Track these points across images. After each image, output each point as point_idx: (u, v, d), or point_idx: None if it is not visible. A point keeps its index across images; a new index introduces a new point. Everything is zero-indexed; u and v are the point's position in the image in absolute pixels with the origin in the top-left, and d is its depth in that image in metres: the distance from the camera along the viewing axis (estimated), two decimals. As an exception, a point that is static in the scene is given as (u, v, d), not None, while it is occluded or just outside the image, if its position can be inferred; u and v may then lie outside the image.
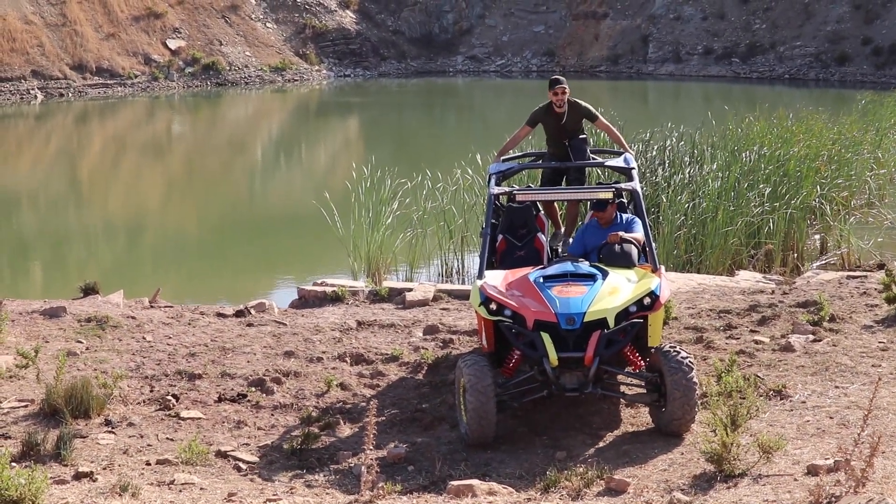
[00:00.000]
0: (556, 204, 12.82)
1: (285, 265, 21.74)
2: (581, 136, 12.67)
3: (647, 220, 11.14)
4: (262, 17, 71.64)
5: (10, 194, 32.36)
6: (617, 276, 10.15)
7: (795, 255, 17.71)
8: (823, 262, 17.80)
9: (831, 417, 9.09)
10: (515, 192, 11.64)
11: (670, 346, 9.66)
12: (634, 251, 10.86)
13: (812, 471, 7.37)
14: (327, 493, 7.91)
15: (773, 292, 13.53)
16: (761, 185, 18.28)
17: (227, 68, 66.87)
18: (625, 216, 11.43)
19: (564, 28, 76.32)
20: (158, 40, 66.07)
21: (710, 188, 17.54)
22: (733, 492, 7.28)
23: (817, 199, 19.33)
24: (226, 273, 21.08)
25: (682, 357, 9.37)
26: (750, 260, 17.08)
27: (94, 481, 8.01)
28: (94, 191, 34.88)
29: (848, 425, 8.75)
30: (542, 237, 11.85)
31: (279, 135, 50.37)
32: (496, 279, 10.35)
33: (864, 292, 13.16)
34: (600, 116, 12.78)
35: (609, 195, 11.27)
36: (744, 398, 8.22)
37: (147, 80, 63.51)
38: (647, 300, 9.82)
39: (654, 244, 11.05)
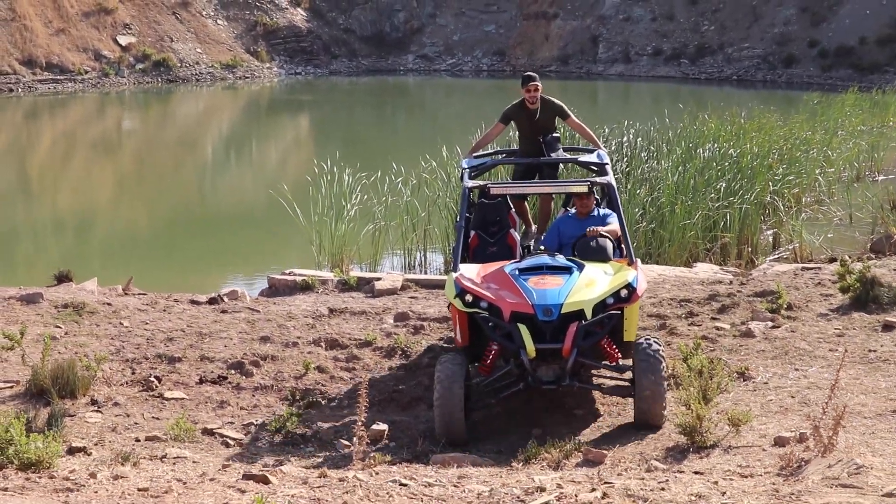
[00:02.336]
0: (527, 202, 12.96)
1: (245, 258, 21.96)
2: (554, 135, 12.76)
3: (622, 214, 11.18)
4: (212, 13, 71.59)
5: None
6: (593, 268, 10.21)
7: (750, 248, 18.20)
8: (776, 255, 18.32)
9: (793, 397, 9.54)
10: (490, 185, 11.71)
11: (644, 339, 9.79)
12: (609, 245, 10.95)
13: (779, 442, 7.82)
14: (316, 466, 8.23)
15: (730, 283, 13.97)
16: (717, 181, 18.76)
17: (178, 65, 66.76)
18: (601, 210, 11.57)
19: (515, 28, 76.86)
20: (109, 36, 65.85)
21: (667, 183, 18.00)
22: (706, 461, 7.71)
23: (770, 196, 19.85)
24: (186, 266, 21.28)
25: (652, 349, 9.50)
26: (707, 253, 17.55)
27: (88, 455, 8.29)
28: (45, 186, 34.83)
29: (809, 403, 9.20)
30: (515, 234, 11.91)
31: (230, 132, 50.45)
32: (471, 272, 10.34)
33: (819, 283, 13.63)
34: (572, 115, 12.88)
35: (584, 188, 11.36)
36: (713, 375, 8.62)
37: (97, 76, 63.28)
38: (623, 292, 9.84)
39: (629, 239, 11.11)
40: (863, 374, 10.06)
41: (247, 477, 6.76)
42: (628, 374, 9.85)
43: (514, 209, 12.36)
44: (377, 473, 7.21)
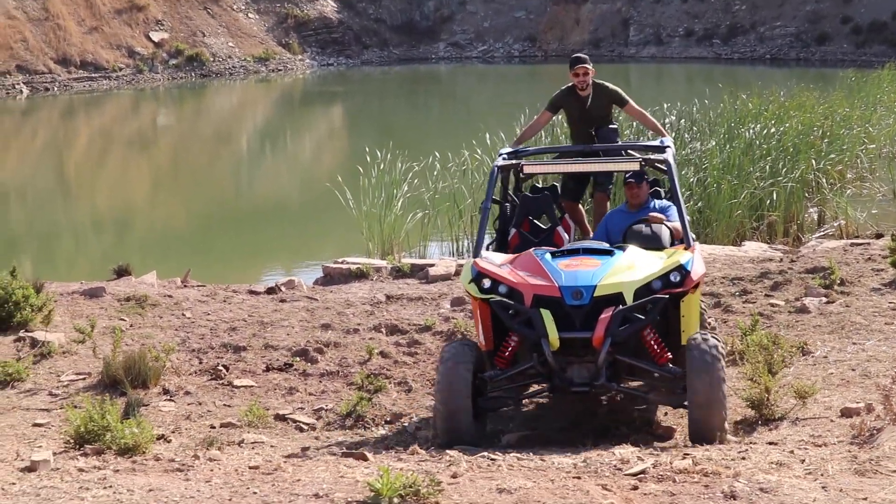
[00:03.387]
0: (581, 206, 11.88)
1: (291, 249, 22.22)
2: (611, 126, 11.66)
3: (680, 196, 9.76)
4: (243, 7, 71.93)
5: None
6: (640, 251, 8.87)
7: (796, 226, 18.31)
8: (822, 232, 18.39)
9: (853, 370, 9.68)
10: (523, 164, 10.31)
11: (699, 334, 8.27)
12: (666, 233, 9.61)
13: (846, 413, 7.97)
14: (394, 447, 8.43)
15: (780, 260, 14.08)
16: (761, 160, 18.86)
17: (211, 59, 67.15)
18: (658, 203, 10.23)
19: (545, 13, 76.84)
20: (141, 33, 66.28)
21: (713, 163, 18.11)
22: (776, 432, 7.88)
23: (814, 173, 19.92)
24: (233, 258, 21.53)
25: (707, 346, 8.01)
26: (754, 231, 17.68)
27: (168, 441, 8.53)
28: (83, 184, 35.16)
29: (870, 376, 9.33)
30: (563, 233, 10.64)
31: (265, 124, 50.76)
32: (494, 258, 9.27)
33: (869, 258, 13.73)
34: (631, 101, 11.70)
35: (636, 166, 10.10)
36: (778, 347, 8.77)
37: (131, 72, 63.72)
38: (674, 275, 8.37)
39: (687, 219, 9.60)
40: (922, 345, 10.20)
41: (346, 455, 6.98)
42: (681, 379, 8.27)
43: (567, 214, 11.20)
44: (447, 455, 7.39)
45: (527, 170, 10.36)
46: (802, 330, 11.17)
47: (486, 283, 8.63)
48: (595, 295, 8.20)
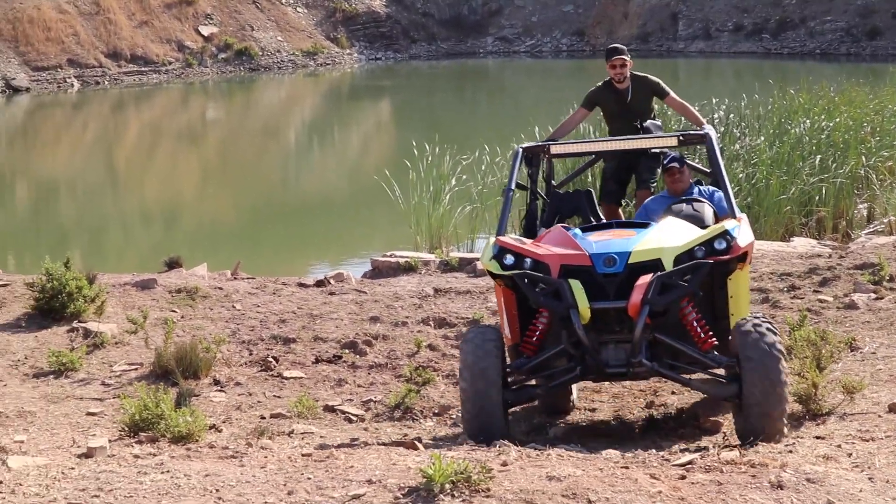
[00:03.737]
0: (619, 208, 11.35)
1: (339, 242, 22.42)
2: (655, 121, 10.96)
3: (723, 168, 9.14)
4: (292, 1, 72.25)
5: (50, 181, 33.14)
6: (679, 221, 8.32)
7: (845, 222, 18.24)
8: (872, 229, 18.30)
9: (902, 366, 9.67)
10: (549, 143, 9.92)
11: (751, 320, 7.43)
12: (709, 212, 9.02)
13: (894, 409, 7.98)
14: (443, 438, 8.52)
15: (829, 256, 14.04)
16: (811, 156, 18.79)
17: (260, 53, 67.50)
18: (705, 188, 9.71)
19: (593, 7, 76.69)
20: (191, 27, 66.74)
21: (762, 158, 18.07)
22: (824, 427, 7.89)
23: (864, 169, 19.82)
24: (281, 251, 21.74)
25: (765, 337, 7.20)
26: (802, 227, 17.63)
27: (219, 431, 8.65)
28: (133, 177, 35.60)
29: (919, 372, 9.33)
30: None
31: (313, 118, 51.05)
32: (519, 238, 8.61)
33: (919, 254, 13.68)
34: (672, 92, 11.14)
35: (673, 142, 9.58)
36: (826, 343, 8.77)
37: (181, 66, 64.19)
38: (719, 242, 7.62)
39: (731, 191, 8.93)
40: (970, 342, 10.17)
41: (397, 443, 7.08)
42: (731, 368, 7.59)
43: (603, 216, 10.24)
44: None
45: (554, 150, 9.82)
46: (851, 326, 11.15)
47: (509, 258, 7.92)
48: (630, 262, 7.53)
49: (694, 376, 7.84)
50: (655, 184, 11.63)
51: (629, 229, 8.05)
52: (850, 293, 12.19)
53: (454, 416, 9.48)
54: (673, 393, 9.67)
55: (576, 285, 7.42)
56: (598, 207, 10.11)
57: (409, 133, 35.09)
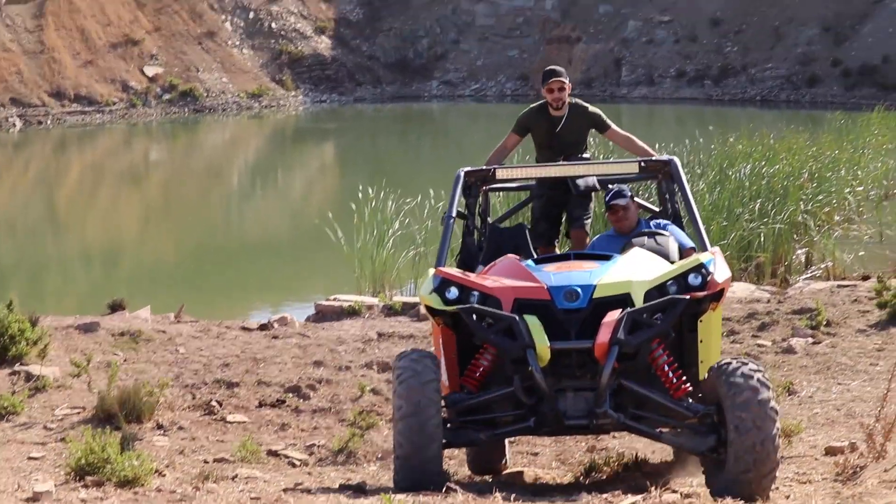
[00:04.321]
0: (556, 244, 10.16)
1: (280, 286, 22.45)
2: (583, 156, 9.91)
3: (691, 198, 8.37)
4: (238, 43, 72.28)
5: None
6: (646, 253, 7.41)
7: (784, 267, 18.50)
8: (810, 274, 18.58)
9: (838, 409, 9.85)
10: (495, 167, 8.95)
11: (732, 360, 6.60)
12: (674, 246, 7.98)
13: (830, 451, 8.13)
14: (388, 485, 8.55)
15: (768, 301, 14.25)
16: (751, 202, 19.06)
17: (205, 94, 67.39)
18: (658, 222, 8.62)
19: (538, 52, 77.19)
20: (136, 67, 66.55)
21: (703, 204, 18.30)
22: (761, 471, 7.99)
23: (802, 215, 20.13)
24: (228, 294, 21.72)
25: (752, 378, 6.36)
26: (742, 272, 17.85)
27: (162, 476, 8.62)
28: (74, 218, 35.42)
29: (854, 416, 9.47)
30: None
31: (257, 161, 51.00)
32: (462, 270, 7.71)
33: (855, 300, 13.91)
34: (613, 125, 9.97)
35: (634, 168, 8.71)
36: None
37: (125, 106, 63.95)
38: (694, 277, 6.79)
39: (700, 223, 8.12)
40: (905, 387, 10.36)
41: (344, 487, 7.10)
42: (708, 416, 6.68)
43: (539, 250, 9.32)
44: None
45: (500, 174, 8.83)
46: (789, 370, 11.33)
47: (453, 291, 6.96)
48: (595, 297, 6.64)
49: (665, 429, 6.97)
50: (590, 220, 10.25)
51: (590, 261, 7.16)
52: (787, 338, 12.40)
53: (397, 460, 9.51)
54: (614, 437, 9.78)
55: (532, 322, 6.54)
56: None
57: (353, 176, 35.25)
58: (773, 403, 6.38)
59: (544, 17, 78.22)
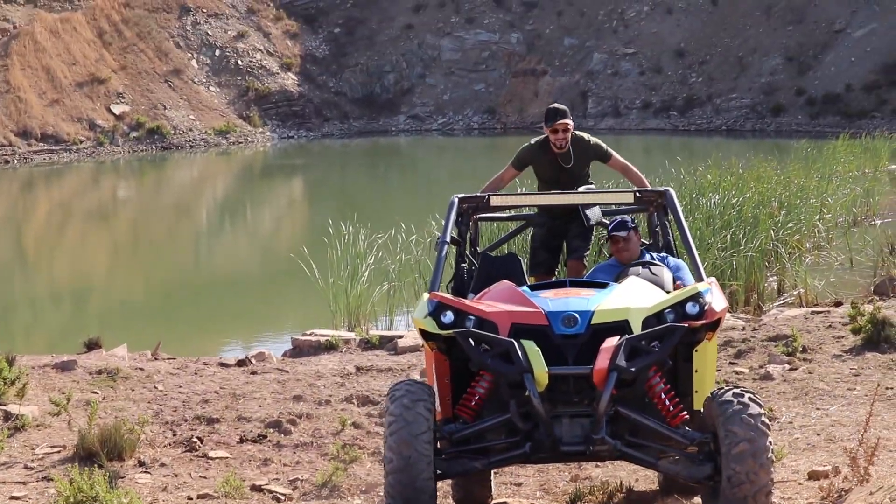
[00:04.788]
0: (555, 273, 10.48)
1: (258, 321, 22.39)
2: (589, 186, 10.07)
3: (686, 229, 8.39)
4: (204, 80, 72.34)
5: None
6: (643, 282, 7.47)
7: (756, 295, 18.62)
8: (782, 301, 18.74)
9: (818, 434, 9.92)
10: (489, 194, 8.93)
11: (729, 389, 6.61)
12: (669, 277, 8.09)
13: (813, 476, 8.19)
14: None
15: (743, 329, 14.34)
16: (722, 231, 19.21)
17: (172, 132, 67.38)
18: (654, 255, 8.67)
19: (504, 86, 77.68)
20: (102, 105, 66.50)
21: (675, 234, 18.40)
22: (746, 497, 8.05)
23: (773, 243, 20.29)
24: (201, 331, 21.65)
25: (747, 409, 6.41)
26: (716, 301, 17.96)
27: (147, 514, 8.62)
28: (42, 257, 35.23)
29: (835, 440, 9.57)
30: None
31: (226, 197, 51.00)
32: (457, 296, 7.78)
33: (830, 325, 14.02)
34: (614, 154, 10.16)
35: (629, 197, 8.68)
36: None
37: (92, 145, 63.86)
38: (692, 306, 6.80)
39: (696, 253, 8.14)
40: (883, 410, 10.43)
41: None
42: (705, 445, 6.70)
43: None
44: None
45: (494, 201, 8.78)
46: (767, 396, 11.40)
47: (448, 315, 6.88)
48: (593, 322, 6.63)
49: (661, 457, 6.89)
50: (588, 254, 10.55)
51: (587, 288, 7.13)
52: (764, 364, 12.49)
53: (381, 494, 9.52)
54: (597, 466, 9.82)
55: (530, 346, 6.48)
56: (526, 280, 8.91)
57: (322, 211, 35.28)
58: (764, 418, 6.43)
59: (510, 50, 78.73)
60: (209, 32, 74.86)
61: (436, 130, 76.24)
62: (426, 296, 7.24)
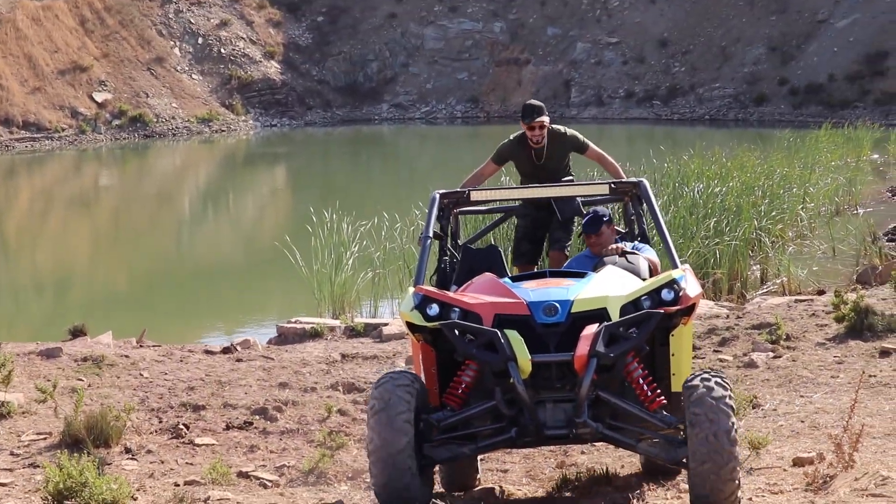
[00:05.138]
0: (537, 263, 10.73)
1: (242, 309, 22.39)
2: (568, 178, 10.41)
3: (660, 217, 8.67)
4: (187, 68, 72.11)
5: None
6: (620, 270, 7.71)
7: (740, 283, 18.70)
8: (766, 290, 18.82)
9: (802, 421, 9.99)
10: (470, 189, 9.15)
11: (698, 375, 6.83)
12: (644, 265, 8.31)
13: (798, 462, 8.25)
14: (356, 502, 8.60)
15: (727, 317, 14.41)
16: (705, 219, 19.28)
17: (154, 120, 67.12)
18: (633, 244, 8.85)
19: (487, 75, 77.61)
20: (85, 93, 66.21)
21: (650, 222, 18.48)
22: (731, 483, 8.10)
23: (756, 232, 20.37)
24: (184, 319, 21.64)
25: (713, 391, 6.62)
26: (699, 289, 18.03)
27: (134, 500, 8.62)
28: (24, 244, 35.07)
29: (819, 427, 9.64)
30: None
31: (208, 185, 50.90)
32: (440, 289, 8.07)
33: (813, 314, 14.09)
34: (592, 144, 10.51)
35: (604, 189, 9.03)
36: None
37: (74, 133, 63.58)
38: (667, 292, 7.03)
39: (670, 241, 8.33)
40: (866, 398, 10.49)
41: (322, 506, 7.14)
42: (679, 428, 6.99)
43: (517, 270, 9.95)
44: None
45: (474, 196, 8.99)
46: (751, 384, 11.47)
47: (434, 308, 7.15)
48: (573, 311, 6.89)
49: (640, 440, 7.09)
50: (570, 244, 10.87)
51: (566, 278, 7.40)
52: (748, 352, 12.56)
53: (368, 480, 9.55)
54: (583, 452, 9.87)
55: (513, 336, 6.75)
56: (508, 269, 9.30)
57: (305, 199, 35.28)
58: (728, 400, 6.61)
59: (493, 39, 78.66)
60: (192, 20, 74.60)
61: (419, 119, 76.15)
62: (412, 289, 7.54)
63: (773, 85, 66.35)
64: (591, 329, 6.73)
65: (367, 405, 7.09)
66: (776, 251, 20.25)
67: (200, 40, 73.92)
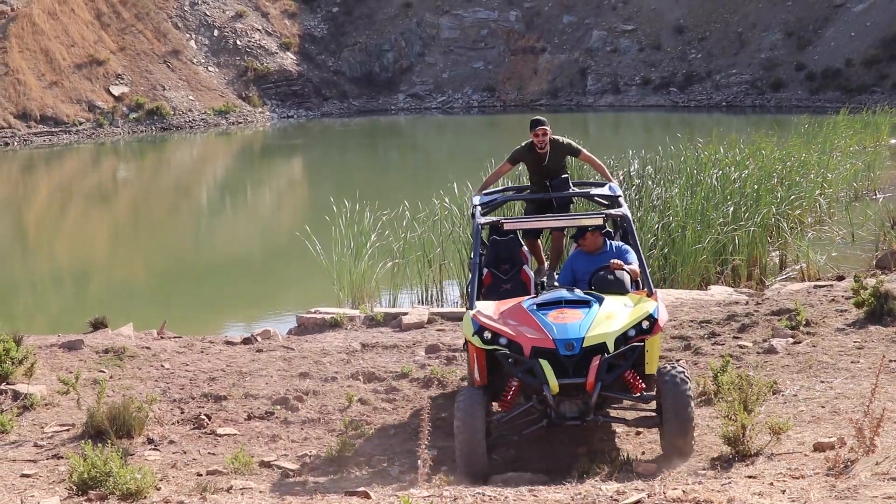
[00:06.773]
0: (539, 240, 12.94)
1: (261, 299, 22.41)
2: (563, 176, 12.80)
3: (639, 245, 11.18)
4: (203, 61, 72.19)
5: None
6: (613, 301, 10.14)
7: (759, 269, 18.67)
8: (785, 276, 18.78)
9: (822, 407, 9.99)
10: (503, 221, 11.65)
11: (667, 364, 9.80)
12: (627, 278, 10.76)
13: (819, 447, 8.27)
14: (391, 485, 8.63)
15: (747, 303, 14.40)
16: (724, 206, 19.25)
17: (171, 113, 67.22)
18: (615, 244, 11.38)
19: (503, 63, 77.54)
20: (101, 87, 66.33)
21: (677, 209, 18.47)
22: (753, 467, 8.15)
23: (774, 218, 20.33)
24: (204, 311, 21.68)
25: (676, 374, 9.45)
26: (718, 275, 18.03)
27: (157, 489, 8.68)
28: (43, 238, 35.09)
29: (839, 412, 9.64)
30: (529, 270, 11.82)
31: (226, 177, 50.92)
32: (488, 309, 10.28)
33: (833, 299, 14.08)
34: (583, 149, 12.97)
35: (599, 221, 11.17)
36: (752, 386, 9.05)
37: (92, 126, 63.69)
38: (645, 324, 9.78)
39: (647, 268, 10.96)
40: (886, 382, 10.50)
41: (349, 494, 7.17)
42: (654, 405, 9.81)
43: (525, 247, 12.24)
44: (446, 492, 7.61)
45: (507, 226, 11.67)
46: (771, 370, 11.47)
47: (488, 335, 9.88)
48: (584, 346, 9.55)
49: (628, 415, 10.09)
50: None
51: (576, 309, 9.94)
52: (768, 338, 12.55)
53: (389, 468, 9.60)
54: (603, 439, 9.89)
55: (546, 366, 9.47)
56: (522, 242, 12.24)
57: (322, 190, 35.30)
58: (683, 375, 9.48)
59: (508, 28, 78.55)
60: (207, 13, 74.66)
61: (435, 109, 76.10)
62: (470, 313, 10.22)
63: (791, 70, 66.15)
64: (595, 362, 9.49)
65: (454, 408, 9.65)
66: (795, 237, 20.19)
67: (216, 32, 73.99)
